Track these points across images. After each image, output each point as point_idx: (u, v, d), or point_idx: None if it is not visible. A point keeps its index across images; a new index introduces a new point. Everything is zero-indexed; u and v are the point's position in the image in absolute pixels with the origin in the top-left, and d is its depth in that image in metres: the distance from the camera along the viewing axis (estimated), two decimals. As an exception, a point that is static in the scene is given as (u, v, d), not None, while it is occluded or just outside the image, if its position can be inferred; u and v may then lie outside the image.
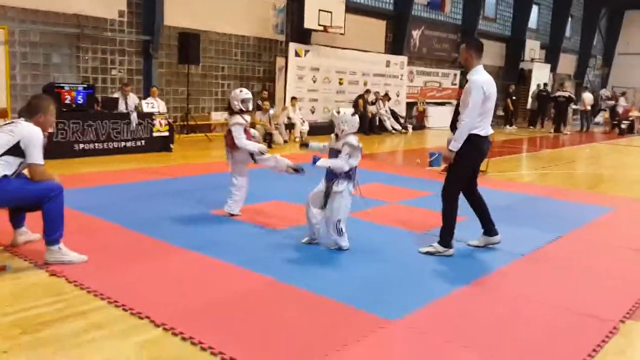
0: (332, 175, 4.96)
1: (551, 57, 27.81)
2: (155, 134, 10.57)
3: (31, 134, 4.18)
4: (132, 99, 11.16)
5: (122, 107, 10.72)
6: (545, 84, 23.02)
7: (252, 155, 5.99)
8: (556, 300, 4.04)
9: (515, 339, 3.39)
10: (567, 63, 30.41)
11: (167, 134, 10.78)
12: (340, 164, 4.87)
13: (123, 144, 10.10)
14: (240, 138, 5.87)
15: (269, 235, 5.37)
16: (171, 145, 10.81)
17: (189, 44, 12.90)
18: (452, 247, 4.96)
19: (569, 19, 29.21)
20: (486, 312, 3.79)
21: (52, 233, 4.23)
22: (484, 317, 3.71)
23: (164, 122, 10.74)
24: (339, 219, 4.88)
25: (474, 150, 4.83)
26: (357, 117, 5.09)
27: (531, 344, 3.34)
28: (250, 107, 6.19)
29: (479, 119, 4.75)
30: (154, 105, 10.96)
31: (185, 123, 13.18)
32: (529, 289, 4.26)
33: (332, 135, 5.15)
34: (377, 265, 4.63)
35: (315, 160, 4.82)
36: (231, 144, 5.97)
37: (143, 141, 10.40)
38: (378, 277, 4.35)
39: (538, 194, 8.04)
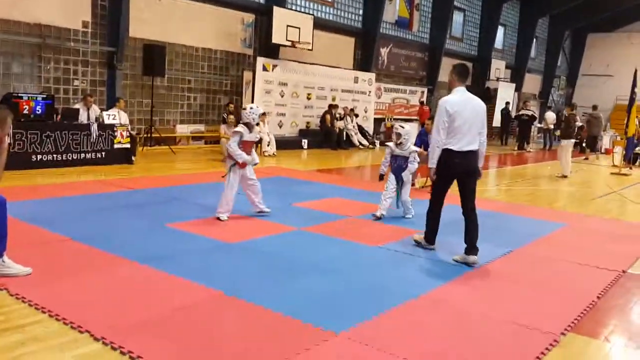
0: (400, 172, 7.03)
1: (516, 77, 28.49)
2: (116, 146, 10.43)
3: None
4: (94, 110, 11.01)
5: (83, 118, 10.56)
6: (507, 103, 23.57)
7: (233, 164, 6.40)
8: (502, 313, 4.10)
9: (459, 351, 3.42)
10: (532, 83, 31.17)
11: (128, 145, 10.64)
12: (415, 165, 7.15)
13: (83, 155, 9.92)
14: (232, 143, 6.32)
15: (221, 248, 5.33)
16: (133, 158, 10.67)
17: (154, 55, 12.84)
18: (433, 244, 5.63)
19: (534, 40, 30.02)
20: (432, 325, 3.82)
21: (-6, 246, 4.12)
22: (430, 329, 3.74)
23: (125, 133, 10.61)
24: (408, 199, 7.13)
25: (446, 163, 5.21)
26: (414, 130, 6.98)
27: (474, 356, 3.38)
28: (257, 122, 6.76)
29: (451, 136, 5.13)
30: (116, 116, 10.83)
31: (149, 135, 13.06)
32: (476, 302, 4.31)
33: (392, 144, 7.11)
34: (328, 278, 4.63)
35: (382, 177, 7.22)
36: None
37: (103, 153, 10.24)
38: (328, 290, 4.35)
39: (497, 209, 8.16)
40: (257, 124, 6.67)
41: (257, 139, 6.57)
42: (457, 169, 5.25)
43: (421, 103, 21.59)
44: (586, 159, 18.12)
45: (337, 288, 4.42)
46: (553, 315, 4.12)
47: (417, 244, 5.73)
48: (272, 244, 5.56)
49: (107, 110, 11.43)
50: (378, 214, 6.97)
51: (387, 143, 7.39)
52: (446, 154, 5.17)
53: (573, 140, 13.13)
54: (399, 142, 6.99)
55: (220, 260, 4.97)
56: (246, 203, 6.85)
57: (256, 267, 4.83)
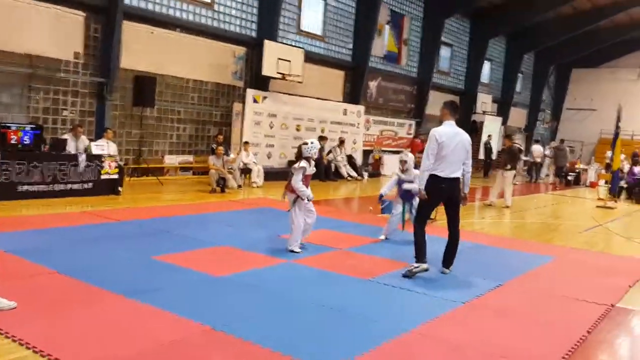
0: (407, 197, 7.65)
1: (502, 111, 28.90)
2: (103, 177, 10.35)
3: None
4: (83, 140, 10.97)
5: (72, 149, 10.51)
6: (489, 136, 23.91)
7: (296, 197, 6.71)
8: (494, 347, 4.07)
9: (448, 389, 3.38)
10: (518, 116, 31.63)
11: (116, 176, 10.57)
12: (416, 186, 6.87)
13: (69, 186, 9.83)
14: (297, 180, 6.61)
15: (210, 282, 5.26)
16: (120, 189, 10.60)
17: (145, 87, 12.89)
18: (425, 262, 5.83)
19: (520, 74, 30.59)
20: (425, 359, 3.79)
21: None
22: (420, 366, 3.70)
23: (113, 164, 10.56)
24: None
25: (433, 187, 5.82)
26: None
27: (463, 393, 3.34)
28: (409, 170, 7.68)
29: (438, 163, 5.77)
30: (104, 147, 10.80)
31: (137, 166, 13.00)
32: (468, 336, 4.28)
33: (398, 171, 7.85)
34: (319, 312, 4.59)
35: (381, 197, 8.09)
36: (288, 185, 6.81)
37: (91, 184, 10.16)
38: (319, 324, 4.31)
39: (485, 242, 8.18)
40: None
41: (314, 172, 6.96)
42: (443, 193, 5.92)
43: (414, 136, 21.87)
44: (555, 188, 18.79)
45: (328, 322, 4.38)
46: (544, 349, 4.10)
47: (408, 273, 5.82)
48: (262, 277, 5.51)
49: (95, 140, 11.39)
50: (382, 237, 7.70)
51: (395, 171, 8.23)
52: (433, 179, 5.81)
53: (514, 171, 13.27)
54: (405, 168, 7.69)
55: (208, 294, 4.90)
56: (235, 236, 6.81)
57: (245, 301, 4.77)
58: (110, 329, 3.92)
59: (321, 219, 9.32)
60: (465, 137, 5.96)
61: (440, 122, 6.03)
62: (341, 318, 4.49)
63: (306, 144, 6.79)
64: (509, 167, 12.93)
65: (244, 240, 7.12)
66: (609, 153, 21.69)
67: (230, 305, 4.65)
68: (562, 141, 21.20)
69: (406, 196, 7.68)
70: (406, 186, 7.62)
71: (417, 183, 7.15)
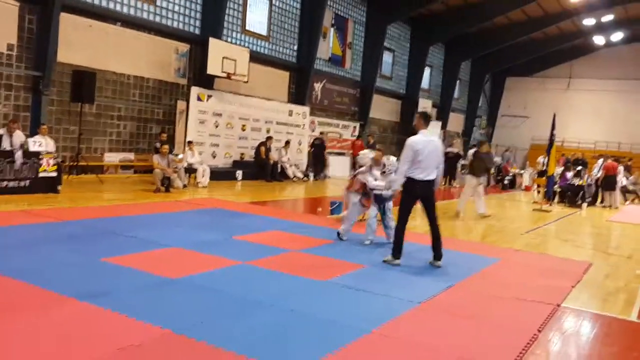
0: (382, 199, 7.75)
1: (442, 115, 29.72)
2: (41, 174, 9.86)
3: None
4: (18, 136, 10.40)
5: (6, 145, 9.95)
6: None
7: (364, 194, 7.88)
8: (450, 347, 4.14)
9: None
10: (456, 121, 32.62)
11: (54, 174, 10.10)
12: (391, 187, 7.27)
13: (5, 183, 9.31)
14: (370, 182, 7.80)
15: (164, 284, 5.11)
16: (59, 187, 10.13)
17: (84, 82, 12.39)
18: (399, 259, 6.59)
19: (458, 81, 31.56)
20: (386, 361, 3.81)
21: None
22: (385, 366, 3.72)
23: (52, 161, 10.08)
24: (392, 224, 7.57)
25: (410, 188, 6.54)
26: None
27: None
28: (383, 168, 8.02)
29: (414, 168, 6.42)
30: (42, 143, 10.29)
31: (75, 163, 12.48)
32: (425, 336, 4.35)
33: (367, 177, 7.93)
34: (279, 314, 4.53)
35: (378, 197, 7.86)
36: (351, 186, 8.14)
37: (28, 181, 9.66)
38: (281, 326, 4.26)
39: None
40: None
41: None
42: (418, 193, 6.60)
43: (356, 137, 22.14)
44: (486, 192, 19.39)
45: (289, 324, 4.33)
46: (498, 349, 4.22)
47: (387, 262, 6.60)
48: (217, 279, 5.40)
49: (31, 136, 10.84)
50: (367, 242, 7.72)
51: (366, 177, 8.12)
52: (410, 182, 6.50)
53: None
54: (383, 171, 7.89)
55: (164, 296, 4.75)
56: (185, 237, 6.63)
57: (203, 304, 4.65)
58: (66, 334, 3.72)
59: (270, 220, 9.30)
60: (438, 144, 6.75)
61: (414, 131, 6.72)
62: (301, 320, 4.46)
63: (358, 155, 7.84)
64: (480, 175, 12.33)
65: (194, 241, 6.96)
66: (540, 159, 22.67)
67: (188, 307, 4.52)
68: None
69: (379, 199, 7.78)
70: (377, 191, 7.75)
71: (389, 185, 7.58)
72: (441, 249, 6.76)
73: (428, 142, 6.56)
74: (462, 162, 22.72)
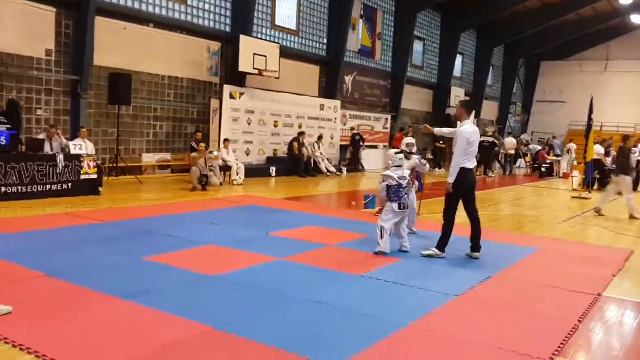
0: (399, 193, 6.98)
1: (475, 104, 29.29)
2: (83, 177, 10.17)
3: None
4: (59, 140, 10.74)
5: (47, 149, 10.28)
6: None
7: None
8: (490, 339, 4.14)
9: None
10: (490, 109, 32.11)
11: (95, 176, 10.39)
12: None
13: (49, 187, 9.63)
14: (420, 167, 8.04)
15: (204, 281, 5.23)
16: (100, 189, 10.43)
17: (120, 84, 12.68)
18: (445, 252, 6.65)
19: (491, 68, 31.03)
20: (422, 354, 3.84)
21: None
22: (420, 358, 3.74)
23: (92, 164, 10.37)
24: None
25: (463, 178, 6.50)
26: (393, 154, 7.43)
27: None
28: (415, 150, 8.31)
29: (465, 157, 6.48)
30: (82, 146, 10.60)
31: (114, 165, 12.81)
32: (464, 329, 4.34)
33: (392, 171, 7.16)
34: (315, 308, 4.60)
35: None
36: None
37: (70, 184, 9.97)
38: (319, 321, 4.32)
39: (467, 235, 8.27)
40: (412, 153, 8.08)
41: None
42: (469, 183, 6.63)
43: (400, 130, 21.95)
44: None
45: (326, 319, 4.39)
46: (539, 340, 4.18)
47: (430, 257, 6.59)
48: (254, 276, 5.50)
49: (72, 140, 11.17)
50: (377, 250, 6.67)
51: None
52: (463, 171, 6.49)
53: None
54: (410, 151, 7.94)
55: (204, 293, 4.87)
56: (222, 234, 6.76)
57: (242, 300, 4.75)
58: (111, 332, 3.87)
59: (305, 215, 9.38)
60: (478, 131, 6.89)
61: (457, 121, 6.80)
62: (339, 314, 4.51)
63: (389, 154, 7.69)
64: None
65: (231, 238, 7.09)
66: (572, 145, 22.12)
67: (228, 304, 4.63)
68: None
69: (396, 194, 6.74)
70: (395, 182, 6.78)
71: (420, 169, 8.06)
72: (480, 240, 6.76)
73: (475, 131, 6.71)
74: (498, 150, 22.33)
